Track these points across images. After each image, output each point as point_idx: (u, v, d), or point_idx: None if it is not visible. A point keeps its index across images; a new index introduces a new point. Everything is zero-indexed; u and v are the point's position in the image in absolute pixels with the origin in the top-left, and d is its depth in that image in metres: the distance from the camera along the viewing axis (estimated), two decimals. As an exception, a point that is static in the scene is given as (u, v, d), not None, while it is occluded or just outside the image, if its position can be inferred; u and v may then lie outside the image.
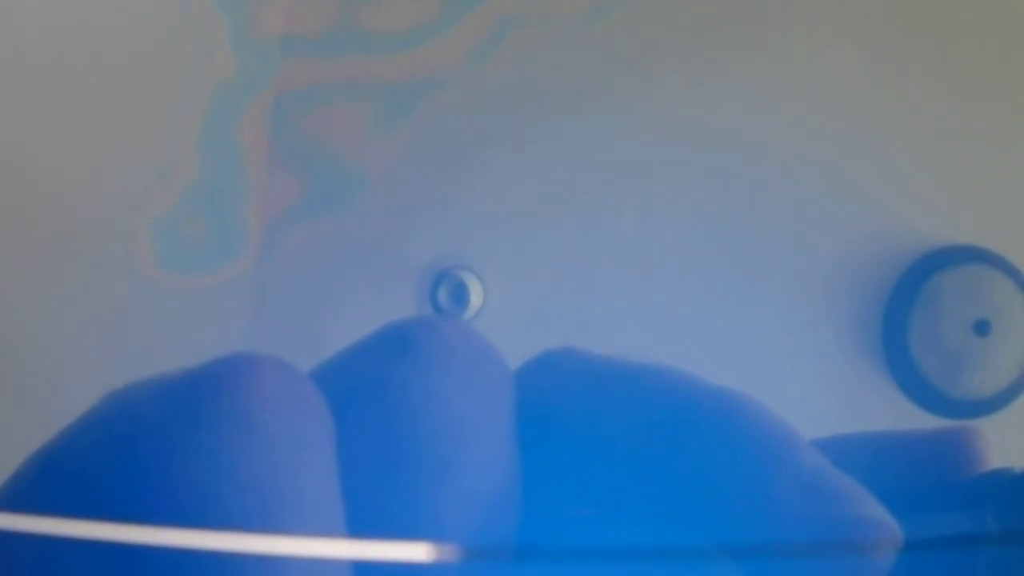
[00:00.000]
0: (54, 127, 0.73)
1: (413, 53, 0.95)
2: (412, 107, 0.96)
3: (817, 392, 0.89)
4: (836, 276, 0.90)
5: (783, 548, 0.13)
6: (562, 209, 0.95)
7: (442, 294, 0.95)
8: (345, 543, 0.13)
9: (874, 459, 0.17)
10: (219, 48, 0.88)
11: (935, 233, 0.88)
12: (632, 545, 0.14)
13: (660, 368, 0.16)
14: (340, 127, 0.97)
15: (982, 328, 0.85)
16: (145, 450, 0.12)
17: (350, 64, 0.96)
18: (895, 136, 0.90)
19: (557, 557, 0.14)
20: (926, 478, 0.16)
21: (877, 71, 0.90)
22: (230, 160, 0.92)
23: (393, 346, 0.15)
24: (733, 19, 0.92)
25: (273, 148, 0.97)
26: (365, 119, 0.97)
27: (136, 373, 0.14)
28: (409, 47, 0.95)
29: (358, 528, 0.13)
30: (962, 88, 0.89)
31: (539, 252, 0.95)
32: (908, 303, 0.87)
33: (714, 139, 0.92)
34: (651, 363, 0.16)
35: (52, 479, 0.13)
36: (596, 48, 0.94)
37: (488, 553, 0.13)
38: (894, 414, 0.87)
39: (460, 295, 0.95)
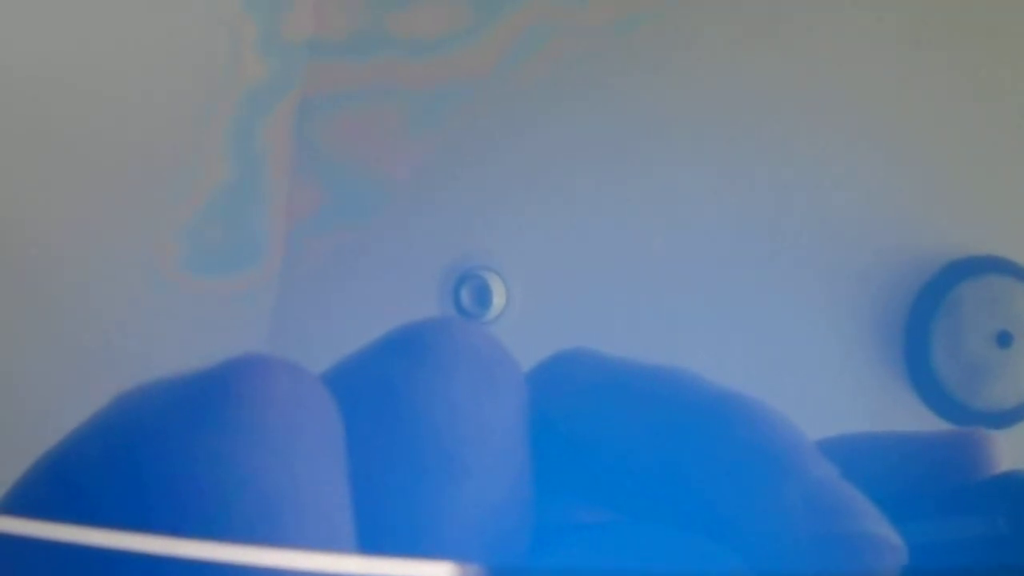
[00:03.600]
0: (76, 128, 0.74)
1: (440, 59, 0.95)
2: (438, 113, 0.96)
3: (838, 402, 0.88)
4: (858, 285, 0.89)
5: (785, 558, 0.13)
6: (585, 212, 0.94)
7: (465, 295, 0.95)
8: (355, 560, 0.12)
9: (884, 460, 0.16)
10: (247, 50, 0.89)
11: (958, 243, 0.87)
12: (641, 552, 0.14)
13: (671, 371, 0.15)
14: (365, 131, 0.97)
15: (1004, 339, 0.84)
16: (151, 454, 0.12)
17: (377, 68, 0.96)
18: (920, 145, 0.89)
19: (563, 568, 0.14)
20: (937, 480, 0.16)
21: (905, 81, 0.90)
22: (256, 163, 0.92)
23: (402, 349, 0.15)
24: (760, 30, 0.92)
25: (297, 151, 0.97)
26: (391, 124, 0.97)
27: (156, 376, 0.14)
28: (436, 53, 0.95)
29: (367, 535, 0.13)
30: (989, 98, 0.89)
31: (562, 253, 0.95)
32: (930, 313, 0.86)
33: (741, 148, 0.92)
34: (662, 366, 0.15)
35: (60, 482, 0.13)
36: (623, 58, 0.94)
37: (500, 572, 0.13)
38: (915, 425, 0.86)
39: (483, 296, 0.95)
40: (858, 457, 0.16)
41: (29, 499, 0.13)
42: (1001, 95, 0.89)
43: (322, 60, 0.96)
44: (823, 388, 0.88)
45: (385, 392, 0.14)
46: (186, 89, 0.83)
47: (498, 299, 0.95)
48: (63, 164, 0.72)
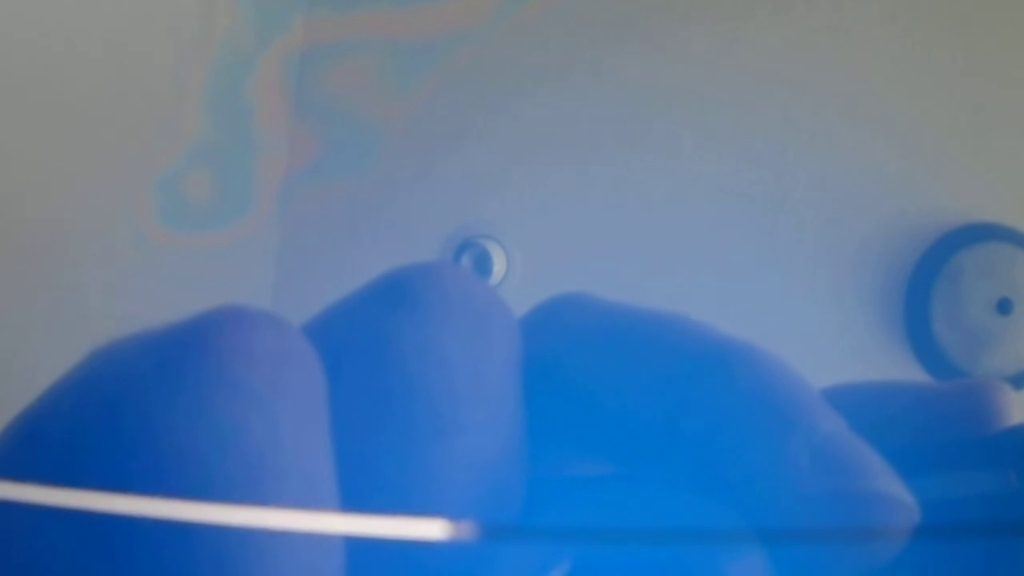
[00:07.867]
0: (50, 76, 0.72)
1: (437, 9, 0.94)
2: (436, 64, 0.95)
3: (838, 370, 0.88)
4: (859, 253, 0.89)
5: (790, 515, 0.13)
6: (586, 182, 0.94)
7: (465, 263, 0.95)
8: (338, 517, 0.12)
9: (892, 411, 0.16)
10: (225, 2, 0.87)
11: (958, 211, 0.87)
12: (639, 508, 0.13)
13: (673, 316, 0.14)
14: (363, 83, 0.97)
15: (1005, 307, 0.84)
16: (126, 410, 0.12)
17: (375, 19, 0.95)
18: (920, 115, 0.89)
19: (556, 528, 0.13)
20: (946, 432, 0.15)
21: (903, 52, 0.89)
22: (240, 116, 0.90)
23: (388, 296, 0.14)
24: (764, 2, 0.92)
25: (295, 104, 0.96)
26: (388, 75, 0.96)
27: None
28: (434, 2, 0.94)
29: (350, 494, 0.12)
30: (986, 68, 0.88)
31: (563, 222, 0.94)
32: (930, 281, 0.86)
33: (745, 119, 0.91)
34: (664, 311, 0.15)
35: (34, 440, 0.12)
36: (625, 10, 0.93)
37: (493, 533, 0.13)
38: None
39: (483, 264, 0.95)
40: (864, 408, 0.15)
41: (2, 459, 0.12)
42: (999, 64, 0.88)
43: (320, 11, 0.95)
44: (824, 357, 0.88)
45: (370, 342, 0.13)
46: (164, 42, 0.81)
47: (498, 267, 0.95)
48: (39, 121, 0.71)
